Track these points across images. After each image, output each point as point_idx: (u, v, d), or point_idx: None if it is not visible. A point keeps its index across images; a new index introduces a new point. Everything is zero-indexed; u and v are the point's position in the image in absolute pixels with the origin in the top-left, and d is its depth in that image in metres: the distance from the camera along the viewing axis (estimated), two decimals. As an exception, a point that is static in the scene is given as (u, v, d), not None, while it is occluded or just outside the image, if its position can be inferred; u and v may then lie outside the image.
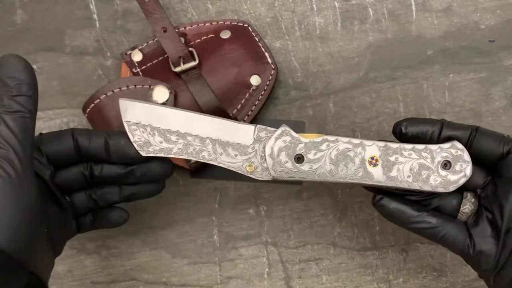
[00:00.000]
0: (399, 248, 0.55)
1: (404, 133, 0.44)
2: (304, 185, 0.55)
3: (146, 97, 0.51)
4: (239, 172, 0.44)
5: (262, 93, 0.54)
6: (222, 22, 0.56)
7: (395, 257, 0.55)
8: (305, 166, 0.43)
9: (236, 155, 0.44)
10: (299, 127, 0.55)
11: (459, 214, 0.44)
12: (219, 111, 0.52)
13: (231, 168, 0.44)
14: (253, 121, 0.54)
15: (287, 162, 0.43)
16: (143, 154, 0.43)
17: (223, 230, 0.56)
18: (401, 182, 0.42)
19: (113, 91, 0.52)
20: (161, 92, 0.52)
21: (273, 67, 0.54)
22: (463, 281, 0.54)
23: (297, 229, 0.55)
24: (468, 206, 0.44)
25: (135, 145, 0.43)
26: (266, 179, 0.44)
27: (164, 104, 0.51)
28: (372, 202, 0.45)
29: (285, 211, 0.56)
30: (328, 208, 0.55)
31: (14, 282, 0.35)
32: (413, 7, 0.56)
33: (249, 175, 0.44)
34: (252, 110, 0.54)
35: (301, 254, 0.55)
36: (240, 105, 0.54)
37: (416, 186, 0.42)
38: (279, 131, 0.43)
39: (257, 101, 0.54)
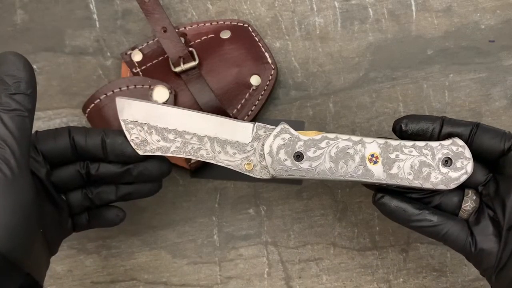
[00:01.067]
0: (399, 248, 0.55)
1: (404, 130, 0.43)
2: (304, 185, 0.55)
3: (146, 97, 0.51)
4: (238, 170, 0.44)
5: (262, 93, 0.54)
6: (222, 22, 0.56)
7: (395, 257, 0.55)
8: (304, 164, 0.42)
9: (234, 154, 0.43)
10: (298, 127, 0.55)
11: (460, 211, 0.44)
12: (219, 111, 0.52)
13: (229, 167, 0.44)
14: (253, 121, 0.54)
15: (286, 160, 0.42)
16: (140, 153, 0.43)
17: (223, 230, 0.55)
18: (401, 180, 0.42)
19: (113, 91, 0.52)
20: (161, 92, 0.52)
21: (273, 67, 0.54)
22: (463, 281, 0.54)
23: (297, 229, 0.55)
24: (469, 203, 0.44)
25: (132, 143, 0.43)
26: (265, 178, 0.43)
27: (163, 104, 0.51)
28: (373, 201, 0.44)
29: (285, 211, 0.55)
30: (328, 208, 0.55)
31: (9, 283, 0.35)
32: (413, 7, 0.56)
33: (248, 174, 0.44)
34: (252, 110, 0.54)
35: (301, 254, 0.55)
36: (240, 105, 0.54)
37: (417, 183, 0.42)
38: (278, 128, 0.43)
39: (257, 101, 0.54)
